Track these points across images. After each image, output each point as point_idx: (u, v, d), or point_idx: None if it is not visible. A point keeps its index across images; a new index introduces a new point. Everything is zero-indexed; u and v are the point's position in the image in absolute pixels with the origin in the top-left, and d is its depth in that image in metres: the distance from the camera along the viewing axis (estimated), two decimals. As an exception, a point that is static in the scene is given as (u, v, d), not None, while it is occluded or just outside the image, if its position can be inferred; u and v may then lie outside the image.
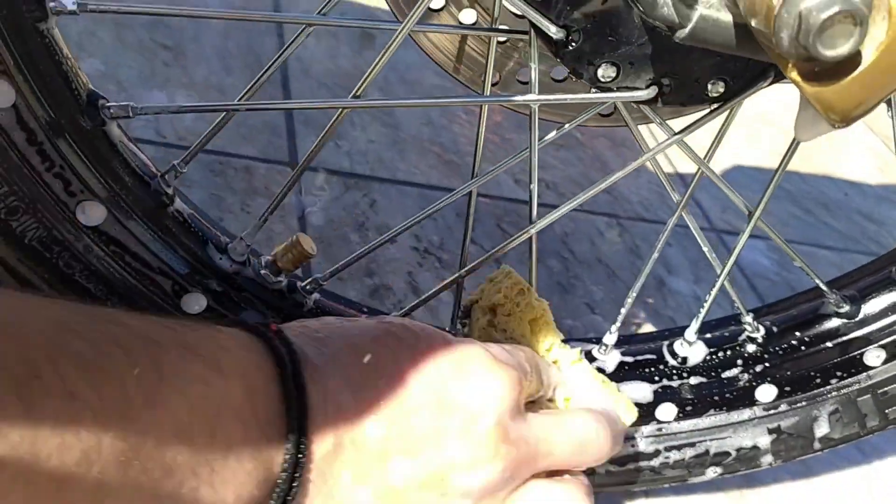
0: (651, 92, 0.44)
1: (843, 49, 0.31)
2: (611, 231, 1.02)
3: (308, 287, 0.51)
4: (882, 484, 0.79)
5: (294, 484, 0.33)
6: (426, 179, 0.94)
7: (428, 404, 0.36)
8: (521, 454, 0.38)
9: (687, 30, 0.37)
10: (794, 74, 0.33)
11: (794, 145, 0.50)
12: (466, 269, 0.52)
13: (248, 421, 0.31)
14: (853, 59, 0.32)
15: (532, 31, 0.43)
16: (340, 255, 0.81)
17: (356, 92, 0.45)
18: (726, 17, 0.37)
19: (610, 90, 0.44)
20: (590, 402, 0.45)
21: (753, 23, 0.33)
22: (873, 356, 0.56)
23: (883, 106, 0.45)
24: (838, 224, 1.29)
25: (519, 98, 0.48)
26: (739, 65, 0.43)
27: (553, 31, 0.41)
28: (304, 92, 0.96)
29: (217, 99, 0.88)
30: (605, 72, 0.43)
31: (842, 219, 1.29)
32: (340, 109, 0.47)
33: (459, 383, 0.37)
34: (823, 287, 0.56)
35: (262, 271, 0.49)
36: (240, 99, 0.46)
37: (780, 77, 0.44)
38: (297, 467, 0.32)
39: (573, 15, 0.41)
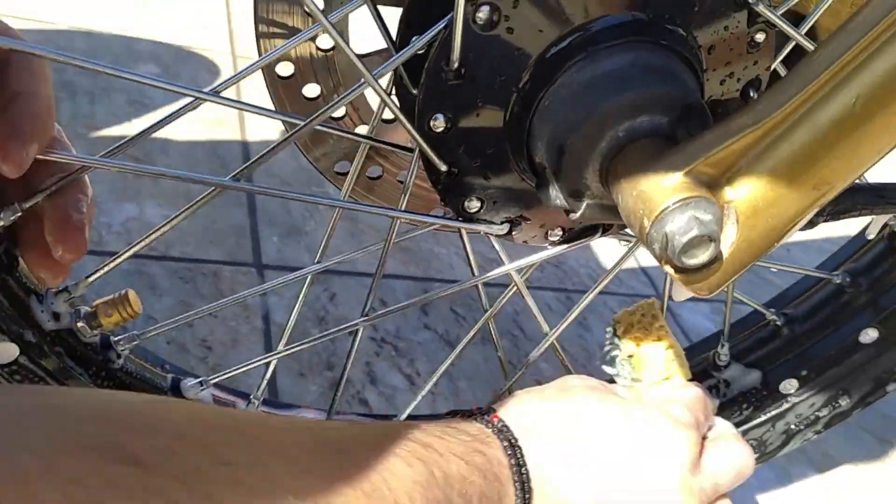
0: (503, 228, 0.50)
1: (702, 258, 0.38)
2: (559, 305, 1.09)
3: (122, 343, 0.52)
4: None
5: None
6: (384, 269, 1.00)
7: (624, 480, 0.43)
8: (699, 502, 0.45)
9: (578, 214, 0.44)
10: (668, 268, 0.40)
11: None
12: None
13: None
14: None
15: (419, 157, 0.47)
16: (302, 352, 0.88)
17: (235, 174, 0.46)
18: (609, 203, 0.44)
19: (470, 220, 0.50)
20: None
21: (631, 230, 0.40)
22: None
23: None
24: (780, 280, 1.37)
25: (381, 211, 0.52)
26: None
27: (440, 163, 0.46)
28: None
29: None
30: (470, 204, 0.49)
31: (783, 275, 1.37)
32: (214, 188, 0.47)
33: (647, 459, 0.44)
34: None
35: (80, 323, 0.49)
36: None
37: (606, 232, 0.52)
38: None
39: (460, 152, 0.46)
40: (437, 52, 0.43)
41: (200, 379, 0.57)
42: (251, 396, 0.60)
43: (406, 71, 0.50)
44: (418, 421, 0.42)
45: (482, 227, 0.50)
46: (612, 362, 0.53)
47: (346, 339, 0.91)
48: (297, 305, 0.57)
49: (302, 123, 0.45)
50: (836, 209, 0.50)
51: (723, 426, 0.50)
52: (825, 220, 0.51)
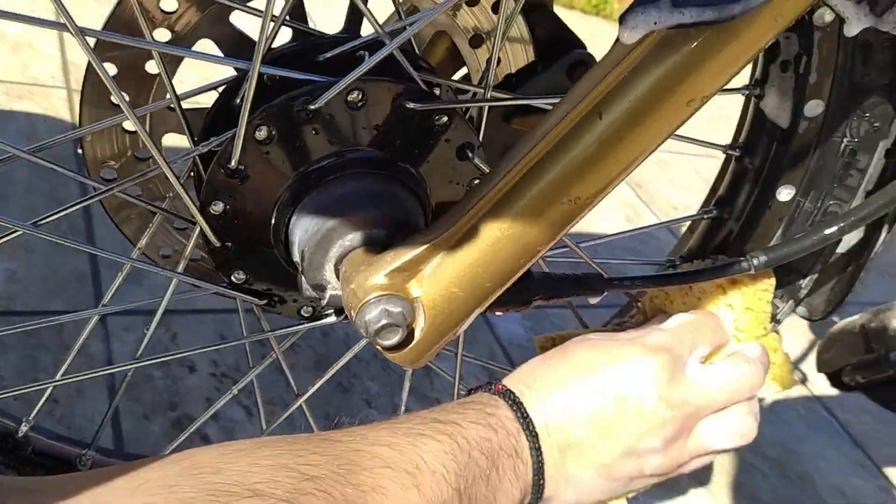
0: (264, 300, 0.62)
1: (394, 340, 0.50)
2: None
3: None
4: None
5: (541, 483, 0.49)
6: (222, 304, 1.10)
7: (608, 402, 0.52)
8: (684, 413, 0.53)
9: (324, 302, 0.56)
10: (378, 346, 0.53)
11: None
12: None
13: (512, 455, 0.49)
14: (409, 337, 0.52)
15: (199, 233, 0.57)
16: (145, 394, 0.97)
17: (37, 221, 0.55)
18: (347, 293, 0.56)
19: (237, 289, 0.61)
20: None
21: (349, 317, 0.53)
22: None
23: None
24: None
25: (164, 271, 0.62)
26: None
27: (215, 240, 0.57)
28: (108, 237, 1.10)
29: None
30: (238, 275, 0.60)
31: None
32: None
33: (623, 380, 0.52)
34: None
35: None
36: None
37: (342, 315, 0.64)
38: (540, 475, 0.49)
39: (233, 234, 0.57)
40: (220, 153, 0.53)
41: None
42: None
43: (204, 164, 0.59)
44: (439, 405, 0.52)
45: (247, 297, 0.61)
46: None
47: (187, 377, 1.00)
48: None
49: (103, 189, 0.56)
50: (549, 295, 0.61)
51: (749, 349, 0.57)
52: (540, 304, 0.62)
